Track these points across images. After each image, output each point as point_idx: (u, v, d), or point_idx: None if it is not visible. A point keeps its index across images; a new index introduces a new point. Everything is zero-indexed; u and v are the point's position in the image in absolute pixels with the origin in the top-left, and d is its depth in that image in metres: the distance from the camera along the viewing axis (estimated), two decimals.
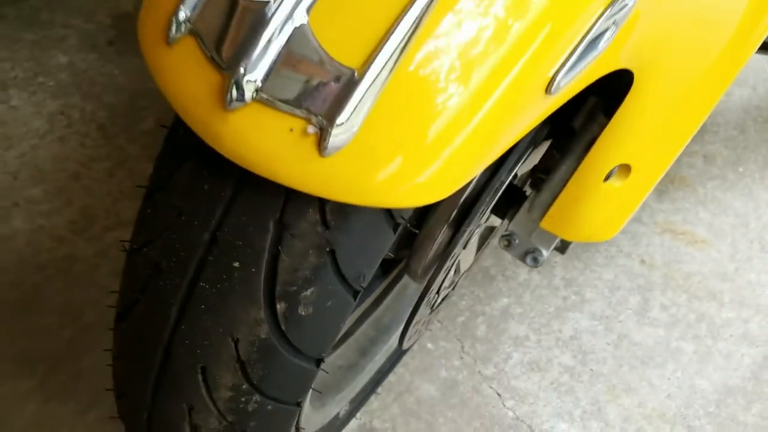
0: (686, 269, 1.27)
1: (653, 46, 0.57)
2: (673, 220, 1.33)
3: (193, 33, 0.42)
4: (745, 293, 1.26)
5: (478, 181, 0.72)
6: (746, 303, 1.24)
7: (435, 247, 0.74)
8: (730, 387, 1.15)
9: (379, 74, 0.40)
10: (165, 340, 0.49)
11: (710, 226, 1.33)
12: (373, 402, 1.10)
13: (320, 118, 0.39)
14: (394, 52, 0.40)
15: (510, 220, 0.81)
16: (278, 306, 0.47)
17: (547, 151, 0.79)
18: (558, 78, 0.45)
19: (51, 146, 1.35)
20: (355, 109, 0.39)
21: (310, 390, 0.63)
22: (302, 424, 0.73)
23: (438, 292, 0.81)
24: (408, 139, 0.41)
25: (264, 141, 0.40)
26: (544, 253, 0.80)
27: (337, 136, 0.39)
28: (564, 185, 0.70)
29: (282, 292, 0.47)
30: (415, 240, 0.77)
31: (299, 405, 0.55)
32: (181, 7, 0.42)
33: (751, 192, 1.40)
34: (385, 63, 0.40)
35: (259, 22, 0.40)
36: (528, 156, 0.72)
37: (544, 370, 1.15)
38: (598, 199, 0.69)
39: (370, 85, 0.39)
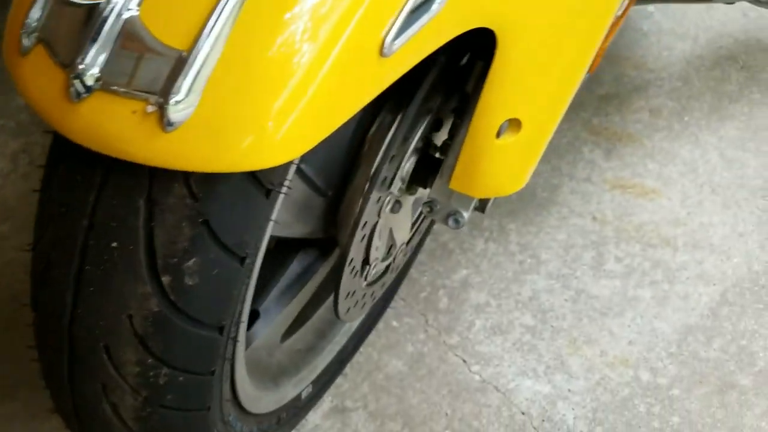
0: (638, 220, 1.30)
1: (504, 3, 0.61)
2: (621, 175, 1.37)
3: (40, 40, 0.47)
4: (698, 236, 1.29)
5: (381, 157, 0.76)
6: (700, 245, 1.27)
7: (352, 222, 0.78)
8: (690, 326, 1.18)
9: (210, 52, 0.44)
10: (66, 325, 0.54)
11: (659, 176, 1.36)
12: (343, 383, 1.14)
13: (157, 97, 0.44)
14: (221, 30, 0.45)
15: (431, 187, 0.85)
16: (163, 279, 0.52)
17: (453, 120, 0.83)
18: (388, 40, 0.50)
19: (16, 184, 1.41)
20: (191, 85, 0.44)
21: (233, 361, 0.67)
22: (248, 404, 0.77)
23: (368, 263, 0.85)
24: (244, 107, 0.45)
25: (112, 125, 0.45)
26: (465, 213, 0.84)
27: (176, 112, 0.44)
28: None
29: (164, 265, 0.51)
30: (338, 214, 0.81)
31: (213, 374, 0.59)
32: (27, 20, 0.47)
33: (697, 139, 1.43)
34: (214, 41, 0.45)
35: (94, 20, 0.45)
36: (424, 126, 0.76)
37: (506, 332, 1.18)
38: (494, 154, 0.73)
39: (203, 63, 0.44)
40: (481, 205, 0.84)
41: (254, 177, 0.53)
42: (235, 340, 0.63)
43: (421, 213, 1.01)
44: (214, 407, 0.64)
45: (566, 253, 1.26)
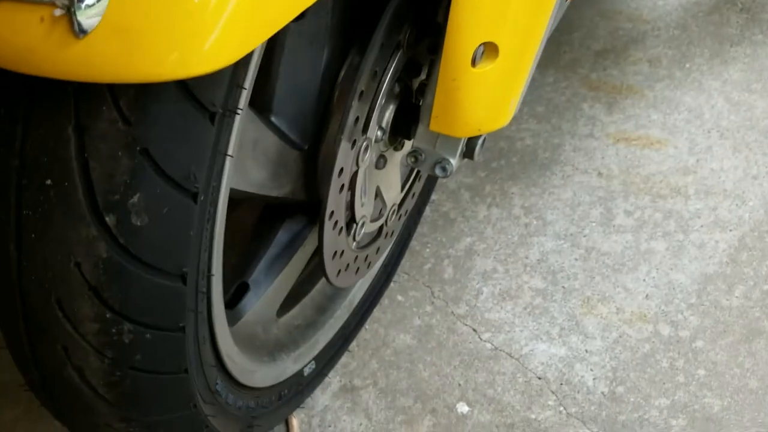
0: (645, 172, 1.25)
1: None
2: (624, 128, 1.32)
3: None
4: (710, 182, 1.23)
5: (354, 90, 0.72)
6: (712, 191, 1.22)
7: (326, 170, 0.74)
8: (709, 275, 1.12)
9: None
10: (15, 280, 0.49)
11: (664, 126, 1.31)
12: (350, 362, 1.09)
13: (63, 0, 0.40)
14: None
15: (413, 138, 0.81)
16: (108, 219, 0.47)
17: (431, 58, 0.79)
18: None
19: None
20: None
21: (210, 321, 0.63)
22: (240, 375, 0.72)
23: (355, 221, 0.81)
24: (159, 3, 0.40)
25: (20, 36, 0.41)
26: (452, 160, 0.79)
27: (87, 17, 0.39)
28: None
29: (106, 204, 0.47)
30: (317, 171, 0.77)
31: (184, 330, 0.55)
32: None
33: (701, 84, 1.37)
34: None
35: None
36: (396, 62, 0.72)
37: (516, 297, 1.13)
38: (472, 84, 0.68)
39: None
40: (469, 150, 0.80)
41: (192, 97, 0.47)
42: (207, 294, 0.59)
43: (411, 173, 0.97)
44: (194, 371, 0.60)
45: (573, 212, 1.21)
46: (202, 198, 0.51)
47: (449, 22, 0.65)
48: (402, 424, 1.03)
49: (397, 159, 0.88)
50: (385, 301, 1.16)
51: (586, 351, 1.06)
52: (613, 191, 1.23)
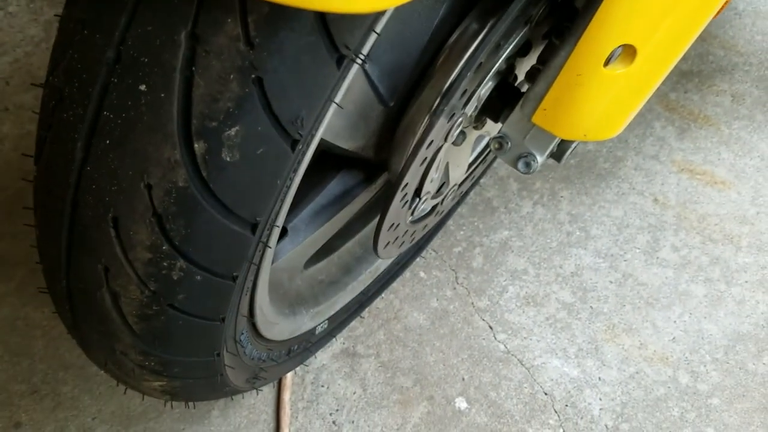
0: (702, 210, 1.19)
1: None
2: (692, 159, 1.25)
3: None
4: (766, 238, 1.17)
5: (462, 67, 0.66)
6: (765, 248, 1.16)
7: (416, 140, 0.68)
8: (741, 334, 1.08)
9: None
10: (72, 184, 0.43)
11: (732, 167, 1.24)
12: (358, 327, 1.05)
13: None
14: None
15: (503, 121, 0.74)
16: (196, 146, 0.41)
17: (547, 43, 0.72)
18: None
19: (45, 54, 1.31)
20: None
21: (258, 272, 0.57)
22: (263, 326, 0.67)
23: (419, 195, 0.75)
24: None
25: None
26: (538, 158, 0.73)
27: None
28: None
29: (200, 128, 0.41)
30: (396, 132, 0.70)
31: (235, 280, 0.49)
32: None
33: None
34: None
35: None
36: (519, 37, 0.65)
37: (541, 305, 1.08)
38: (596, 86, 0.62)
39: None
40: (559, 152, 0.73)
41: (327, 34, 0.41)
42: (265, 245, 0.53)
43: (480, 154, 0.91)
44: (229, 320, 0.55)
45: (619, 232, 1.16)
46: (299, 147, 0.44)
47: (597, 14, 0.58)
48: (396, 403, 1.00)
49: (473, 138, 0.81)
50: (406, 273, 1.11)
51: (600, 379, 1.02)
52: (665, 222, 1.17)
